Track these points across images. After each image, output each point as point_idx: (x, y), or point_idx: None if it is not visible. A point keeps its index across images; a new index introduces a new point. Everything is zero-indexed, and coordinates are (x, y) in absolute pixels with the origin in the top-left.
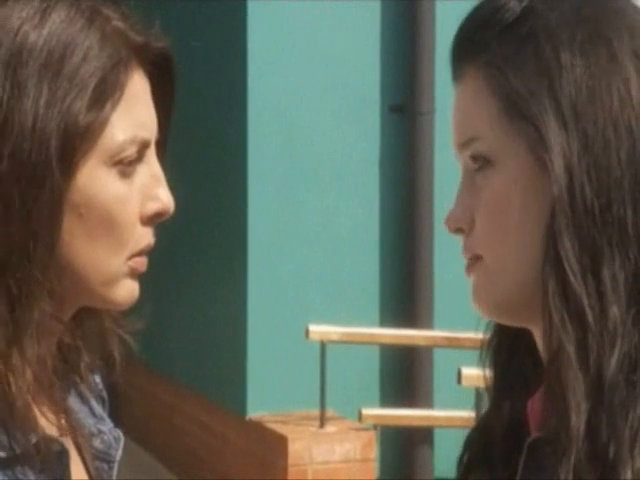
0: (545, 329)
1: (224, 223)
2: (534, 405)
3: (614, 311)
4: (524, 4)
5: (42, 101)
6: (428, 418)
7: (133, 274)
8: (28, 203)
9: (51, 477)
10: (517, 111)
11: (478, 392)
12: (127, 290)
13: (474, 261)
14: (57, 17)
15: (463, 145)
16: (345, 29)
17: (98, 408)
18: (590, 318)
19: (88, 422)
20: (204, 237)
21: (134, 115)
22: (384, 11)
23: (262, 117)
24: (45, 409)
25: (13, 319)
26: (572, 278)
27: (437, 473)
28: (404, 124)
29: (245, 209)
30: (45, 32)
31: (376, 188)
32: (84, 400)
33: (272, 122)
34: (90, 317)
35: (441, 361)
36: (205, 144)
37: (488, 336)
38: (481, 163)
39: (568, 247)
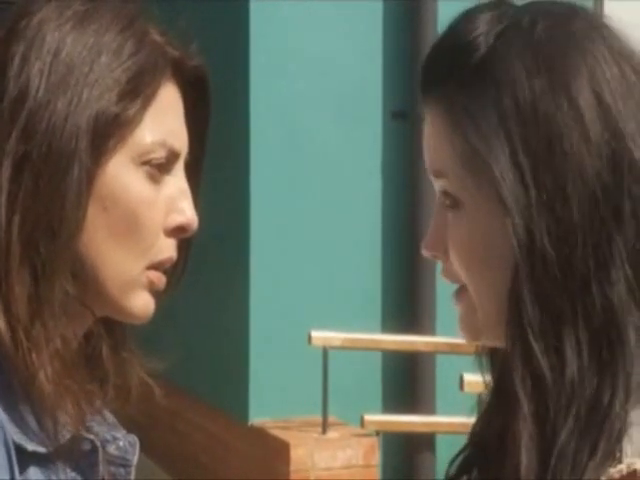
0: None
1: (226, 229)
2: None
3: (573, 372)
4: (490, 43)
5: (77, 89)
6: (430, 424)
7: (151, 288)
8: (56, 181)
9: (81, 475)
10: (476, 168)
11: (480, 398)
12: (143, 302)
13: (462, 290)
14: (97, 20)
15: (433, 174)
16: (347, 34)
17: (110, 416)
18: (549, 380)
19: (102, 429)
20: (206, 242)
21: (165, 122)
22: (386, 16)
23: (264, 122)
24: (70, 391)
25: (37, 294)
26: (533, 341)
27: (439, 479)
28: (406, 130)
29: (247, 214)
30: (84, 31)
31: (378, 194)
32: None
33: (274, 127)
34: (111, 349)
35: (443, 367)
36: (207, 151)
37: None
38: (451, 201)
39: (529, 310)
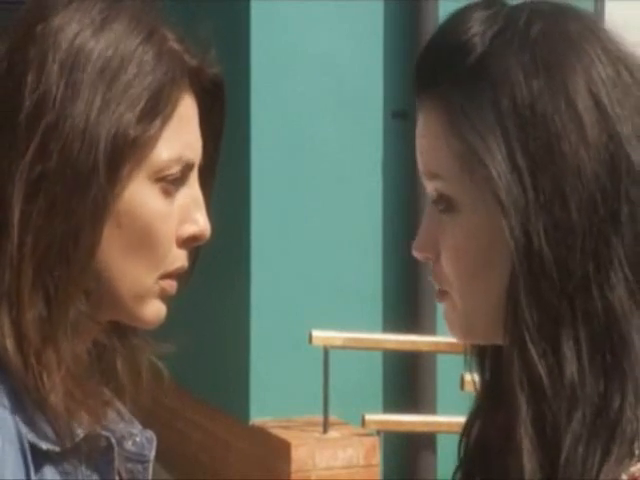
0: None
1: (227, 229)
2: None
3: (572, 374)
4: (486, 44)
5: (95, 106)
6: (431, 424)
7: (163, 295)
8: (72, 203)
9: (97, 473)
10: (473, 168)
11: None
12: (155, 310)
13: (442, 293)
14: (116, 27)
15: (427, 176)
16: (347, 34)
17: (126, 412)
18: (546, 383)
19: (118, 426)
20: (207, 242)
21: (182, 135)
22: (386, 16)
23: (264, 121)
24: (84, 405)
25: (50, 317)
26: (530, 344)
27: (440, 478)
28: (407, 130)
29: (248, 214)
30: (103, 40)
31: (379, 194)
32: (112, 406)
33: (275, 127)
34: (119, 335)
35: (444, 367)
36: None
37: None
38: (445, 204)
39: (526, 313)
